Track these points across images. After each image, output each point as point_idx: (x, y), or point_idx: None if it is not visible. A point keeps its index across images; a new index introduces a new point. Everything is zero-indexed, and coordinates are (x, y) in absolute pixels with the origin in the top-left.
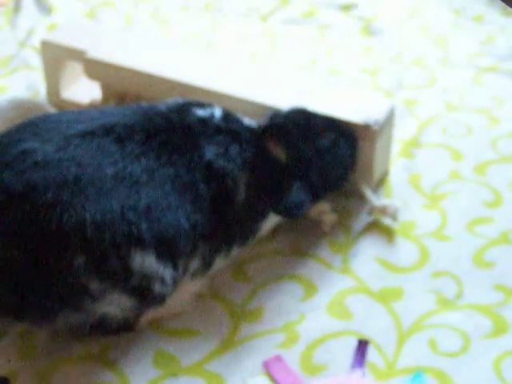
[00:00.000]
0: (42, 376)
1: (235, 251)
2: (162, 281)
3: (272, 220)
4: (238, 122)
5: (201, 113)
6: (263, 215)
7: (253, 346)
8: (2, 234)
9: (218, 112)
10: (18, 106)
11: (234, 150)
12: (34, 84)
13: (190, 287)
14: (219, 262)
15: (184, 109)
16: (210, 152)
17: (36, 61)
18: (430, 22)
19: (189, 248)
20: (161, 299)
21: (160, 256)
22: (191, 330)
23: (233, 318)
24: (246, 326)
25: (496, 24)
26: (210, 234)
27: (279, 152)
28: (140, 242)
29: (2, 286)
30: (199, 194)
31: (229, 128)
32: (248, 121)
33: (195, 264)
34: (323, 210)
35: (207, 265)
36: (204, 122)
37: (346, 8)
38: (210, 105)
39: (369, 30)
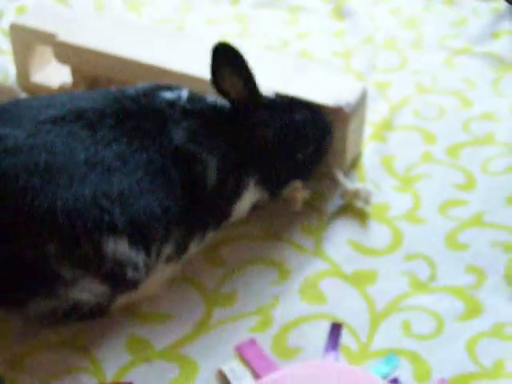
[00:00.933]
0: (14, 362)
1: (210, 235)
2: (135, 266)
3: (247, 201)
4: (204, 101)
5: (168, 95)
6: (237, 197)
7: (226, 330)
8: None
9: (184, 93)
10: None
11: (202, 133)
12: (3, 67)
13: (163, 271)
14: (194, 247)
15: (152, 92)
16: (177, 136)
17: (5, 44)
18: (401, 5)
19: (161, 233)
20: (134, 285)
21: (133, 241)
22: (164, 315)
23: (206, 302)
24: (219, 309)
25: (468, 6)
26: (183, 219)
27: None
28: (113, 228)
29: None
30: (170, 179)
31: (195, 110)
32: (211, 98)
33: (168, 249)
34: (295, 187)
35: (181, 250)
36: (172, 104)
37: None
38: (177, 87)
39: (340, 13)
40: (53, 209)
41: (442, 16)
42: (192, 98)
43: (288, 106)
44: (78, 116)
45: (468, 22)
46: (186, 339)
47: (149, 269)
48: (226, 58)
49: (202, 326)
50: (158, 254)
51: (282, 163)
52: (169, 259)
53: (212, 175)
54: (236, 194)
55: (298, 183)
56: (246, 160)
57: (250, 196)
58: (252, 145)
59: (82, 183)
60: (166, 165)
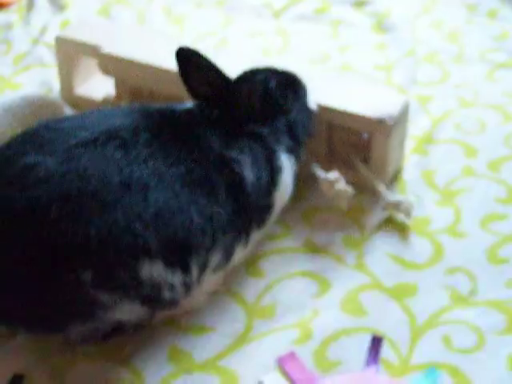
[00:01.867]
0: (56, 373)
1: (254, 237)
2: (172, 287)
3: (284, 191)
4: (205, 108)
5: (180, 107)
6: (274, 185)
7: (267, 343)
8: (9, 252)
9: (189, 104)
10: (32, 102)
11: (229, 137)
12: (47, 81)
13: (205, 286)
14: (240, 252)
15: (168, 106)
16: (216, 144)
17: (49, 58)
18: (443, 18)
19: (208, 243)
20: (172, 304)
21: (168, 263)
22: (205, 327)
23: (246, 314)
24: (259, 322)
25: (510, 19)
26: (229, 224)
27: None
28: (147, 253)
29: (12, 301)
30: (213, 186)
31: (208, 116)
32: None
33: (217, 257)
34: (336, 180)
35: (229, 255)
36: (190, 114)
37: (359, 4)
38: (179, 102)
39: (381, 26)
40: (86, 237)
41: (484, 29)
42: (197, 106)
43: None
44: (111, 136)
45: (510, 35)
46: (226, 351)
47: (188, 286)
48: (192, 61)
49: (242, 338)
50: (205, 265)
51: (286, 116)
52: (217, 267)
53: (249, 173)
54: (273, 183)
55: (336, 174)
56: (269, 138)
57: (287, 176)
58: (258, 114)
59: (115, 208)
60: (207, 173)
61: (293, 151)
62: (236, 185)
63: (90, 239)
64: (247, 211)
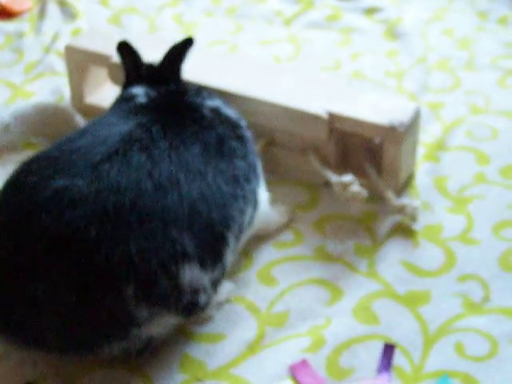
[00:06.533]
0: (68, 381)
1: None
2: (205, 290)
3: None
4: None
5: (141, 93)
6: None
7: (278, 350)
8: (49, 277)
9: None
10: (43, 110)
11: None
12: (58, 89)
13: (218, 296)
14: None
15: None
16: (206, 108)
17: (61, 66)
18: (454, 25)
19: (241, 206)
20: (204, 309)
21: (203, 263)
22: (217, 335)
23: (258, 322)
24: (271, 330)
25: None
26: (251, 171)
27: None
28: (186, 256)
29: (51, 327)
30: (228, 144)
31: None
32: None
33: (248, 215)
34: (350, 182)
35: (237, 245)
36: (166, 93)
37: (370, 11)
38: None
39: (393, 34)
40: (127, 252)
41: (495, 36)
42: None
43: None
44: (129, 141)
45: None
46: (238, 359)
47: (214, 285)
48: (128, 50)
49: (254, 346)
50: (235, 248)
51: None
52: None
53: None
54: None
55: (349, 177)
56: None
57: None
58: None
59: (151, 217)
60: (218, 134)
61: None
62: (235, 128)
63: (131, 254)
64: (253, 155)
